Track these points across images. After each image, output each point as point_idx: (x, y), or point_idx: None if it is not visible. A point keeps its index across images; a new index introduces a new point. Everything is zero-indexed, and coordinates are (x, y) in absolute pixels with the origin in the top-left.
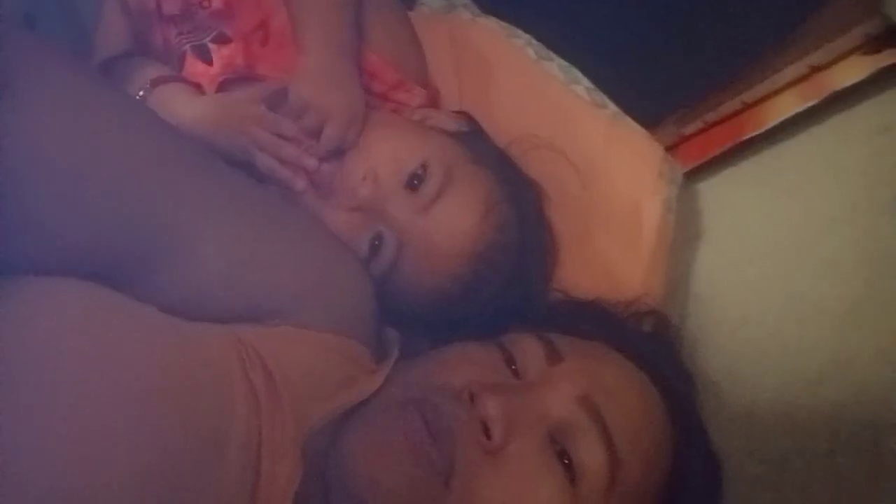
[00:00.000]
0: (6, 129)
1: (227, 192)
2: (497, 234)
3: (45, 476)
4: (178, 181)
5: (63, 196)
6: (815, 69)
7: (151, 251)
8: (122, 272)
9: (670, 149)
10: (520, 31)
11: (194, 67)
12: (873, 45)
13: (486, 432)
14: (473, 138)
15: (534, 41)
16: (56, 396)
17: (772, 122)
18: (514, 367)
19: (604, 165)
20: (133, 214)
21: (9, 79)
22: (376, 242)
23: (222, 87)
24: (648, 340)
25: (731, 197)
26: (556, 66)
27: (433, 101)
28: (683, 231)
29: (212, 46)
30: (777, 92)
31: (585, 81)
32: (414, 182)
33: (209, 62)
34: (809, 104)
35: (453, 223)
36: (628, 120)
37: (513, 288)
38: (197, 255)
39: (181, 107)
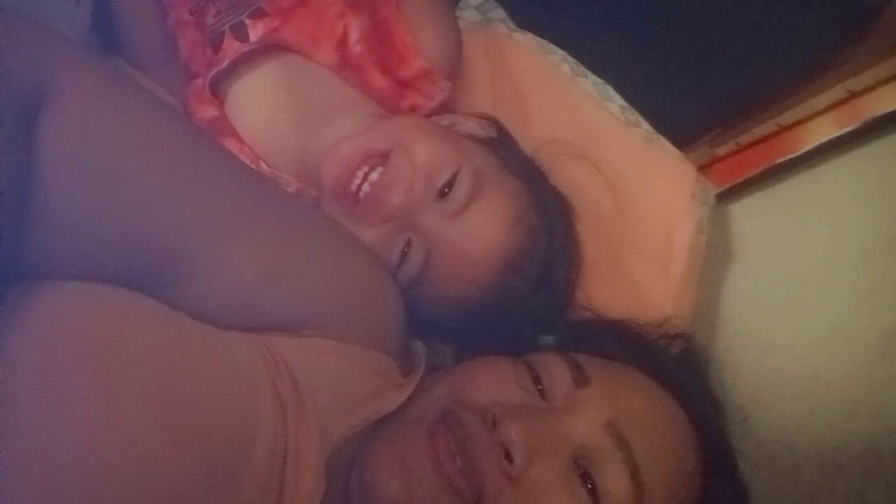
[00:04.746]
0: (45, 136)
1: (257, 202)
2: (525, 243)
3: (66, 477)
4: (210, 189)
5: (97, 202)
6: (854, 94)
7: (182, 258)
8: (153, 278)
9: (703, 169)
10: (555, 48)
11: (231, 46)
12: None
13: (508, 456)
14: (502, 145)
15: (569, 58)
16: (82, 399)
17: (807, 147)
18: (540, 387)
19: (636, 185)
20: (165, 222)
21: (49, 87)
22: (405, 251)
23: (241, 59)
24: (677, 364)
25: (763, 220)
26: (591, 84)
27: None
28: (714, 253)
29: (248, 22)
30: (813, 116)
31: (619, 100)
32: (445, 190)
33: (245, 39)
34: (846, 130)
35: (482, 231)
36: (661, 139)
37: (539, 296)
38: (227, 263)
39: None
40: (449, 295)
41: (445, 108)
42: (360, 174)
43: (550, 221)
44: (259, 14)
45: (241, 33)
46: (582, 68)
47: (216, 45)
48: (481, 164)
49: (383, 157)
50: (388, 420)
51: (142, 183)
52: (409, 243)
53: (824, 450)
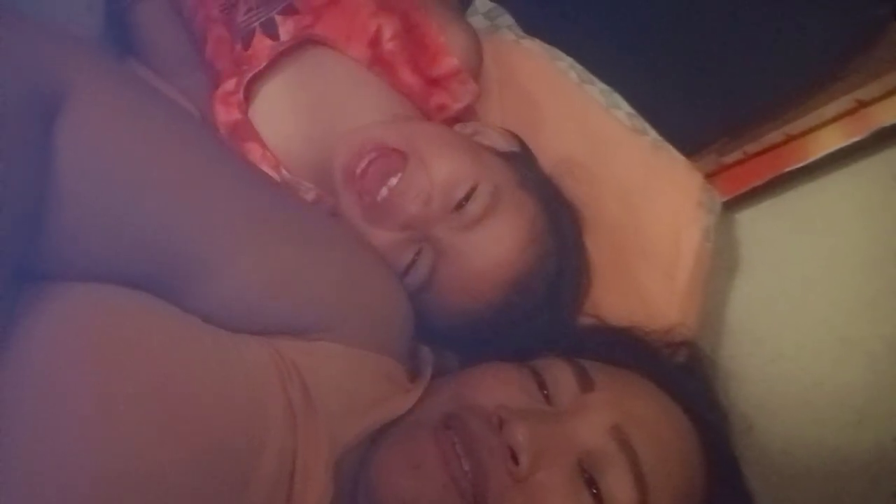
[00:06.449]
0: (61, 139)
1: (268, 206)
2: (535, 264)
3: (69, 478)
4: (222, 194)
5: (110, 205)
6: (862, 104)
7: (193, 262)
8: (164, 281)
9: (710, 177)
10: (563, 54)
11: (262, 44)
12: None
13: (514, 459)
14: (522, 161)
15: (576, 64)
16: (89, 399)
17: (814, 156)
18: (545, 391)
19: (643, 192)
20: (177, 226)
21: (65, 90)
22: (415, 258)
23: (276, 59)
24: (682, 371)
25: (769, 229)
26: (598, 91)
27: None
28: (720, 261)
29: (278, 18)
30: (821, 125)
31: (626, 107)
32: (462, 203)
33: (275, 36)
34: (854, 140)
35: (493, 247)
36: (669, 147)
37: (544, 313)
38: (237, 267)
39: None
40: (452, 306)
41: (468, 115)
42: (368, 158)
43: (564, 244)
44: (290, 11)
45: (271, 30)
46: (589, 75)
47: (247, 42)
48: (500, 180)
49: (398, 156)
50: (394, 424)
51: (155, 187)
52: (419, 252)
53: (829, 458)
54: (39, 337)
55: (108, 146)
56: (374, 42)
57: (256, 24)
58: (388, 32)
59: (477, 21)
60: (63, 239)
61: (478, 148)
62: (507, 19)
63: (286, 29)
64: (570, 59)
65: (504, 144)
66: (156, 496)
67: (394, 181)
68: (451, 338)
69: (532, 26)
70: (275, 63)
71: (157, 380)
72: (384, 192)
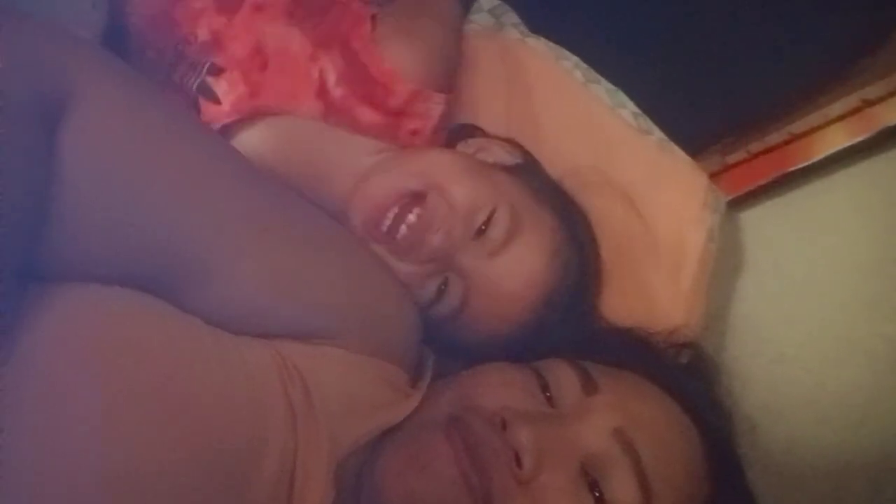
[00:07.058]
0: (66, 140)
1: (273, 209)
2: (560, 276)
3: (70, 478)
4: (225, 197)
5: (114, 207)
6: (867, 103)
7: (196, 265)
8: (166, 283)
9: (714, 176)
10: (568, 53)
11: (209, 109)
12: None
13: (518, 461)
14: (529, 172)
15: (581, 63)
16: (90, 399)
17: (819, 156)
18: (548, 394)
19: (648, 192)
20: (180, 227)
21: (71, 91)
22: (442, 287)
23: (224, 130)
24: (686, 373)
25: (773, 229)
26: (603, 90)
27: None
28: (723, 261)
29: (210, 80)
30: (826, 125)
31: (632, 106)
32: (482, 228)
33: (217, 101)
34: (858, 139)
35: (521, 269)
36: (674, 147)
37: (565, 320)
38: (239, 271)
39: None
40: (483, 329)
41: (454, 104)
42: (391, 215)
43: (582, 251)
44: (216, 71)
45: (210, 95)
46: (594, 74)
47: (196, 108)
48: (516, 200)
49: (416, 198)
50: (396, 428)
51: (157, 189)
52: (446, 281)
53: (832, 459)
54: (41, 338)
55: (112, 148)
56: (322, 91)
57: (193, 88)
58: (331, 77)
59: (481, 17)
60: (65, 240)
61: (487, 168)
62: (512, 17)
63: (223, 89)
64: (575, 58)
65: (508, 158)
66: (156, 496)
67: (412, 218)
68: (468, 350)
69: (537, 25)
70: (228, 132)
71: (159, 380)
72: (403, 229)
